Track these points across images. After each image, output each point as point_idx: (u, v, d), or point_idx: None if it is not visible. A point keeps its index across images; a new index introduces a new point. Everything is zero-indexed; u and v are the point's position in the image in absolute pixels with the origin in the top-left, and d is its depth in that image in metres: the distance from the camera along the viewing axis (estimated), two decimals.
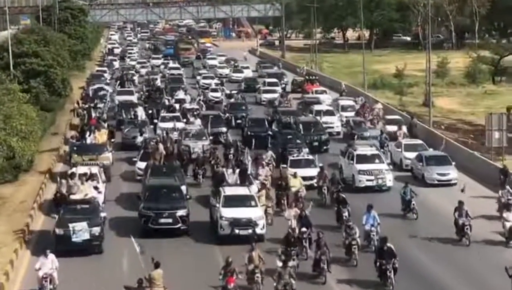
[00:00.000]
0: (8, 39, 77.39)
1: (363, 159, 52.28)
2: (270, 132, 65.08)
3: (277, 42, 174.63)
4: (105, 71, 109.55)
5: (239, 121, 72.14)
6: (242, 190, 44.32)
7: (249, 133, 66.32)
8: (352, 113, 75.14)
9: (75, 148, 56.38)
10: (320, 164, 52.77)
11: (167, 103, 76.90)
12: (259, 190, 45.21)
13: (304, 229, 38.71)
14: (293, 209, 41.79)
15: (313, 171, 52.48)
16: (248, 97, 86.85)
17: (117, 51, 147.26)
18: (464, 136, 68.21)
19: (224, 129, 66.40)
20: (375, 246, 37.93)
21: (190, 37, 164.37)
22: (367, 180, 51.28)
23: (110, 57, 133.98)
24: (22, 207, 47.30)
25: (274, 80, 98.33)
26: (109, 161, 55.08)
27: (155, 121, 68.60)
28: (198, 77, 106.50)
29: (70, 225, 38.70)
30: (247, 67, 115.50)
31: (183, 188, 46.73)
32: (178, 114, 70.83)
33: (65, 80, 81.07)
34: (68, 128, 71.88)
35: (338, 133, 70.26)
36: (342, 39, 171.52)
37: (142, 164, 53.56)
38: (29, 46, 79.12)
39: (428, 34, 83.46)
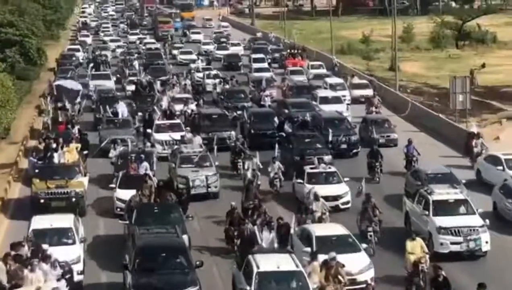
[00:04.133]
0: None
1: (444, 208, 31.75)
2: (282, 131, 46.44)
3: (247, 10, 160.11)
4: (77, 50, 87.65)
5: (238, 112, 52.58)
6: (285, 262, 25.63)
7: (252, 131, 47.38)
8: (343, 92, 59.38)
9: (37, 170, 37.69)
10: (362, 187, 34.62)
11: (163, 105, 52.59)
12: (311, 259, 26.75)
13: None
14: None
15: (337, 188, 36.90)
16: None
17: (91, 24, 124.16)
18: (429, 99, 63.26)
19: (233, 134, 46.84)
20: None
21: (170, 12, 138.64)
22: (453, 243, 30.53)
23: (82, 33, 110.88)
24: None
25: (260, 55, 78.35)
26: (83, 188, 36.39)
27: (148, 131, 47.17)
28: (175, 52, 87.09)
29: None
30: (238, 44, 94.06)
31: (185, 238, 29.34)
32: (178, 121, 49.27)
33: (40, 49, 73.59)
34: (29, 133, 52.50)
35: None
36: (310, 6, 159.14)
37: (122, 194, 35.85)
38: (4, 16, 72.63)
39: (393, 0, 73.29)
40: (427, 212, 31.54)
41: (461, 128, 49.66)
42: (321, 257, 26.27)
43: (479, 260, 30.40)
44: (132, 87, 61.44)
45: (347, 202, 36.72)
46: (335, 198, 36.08)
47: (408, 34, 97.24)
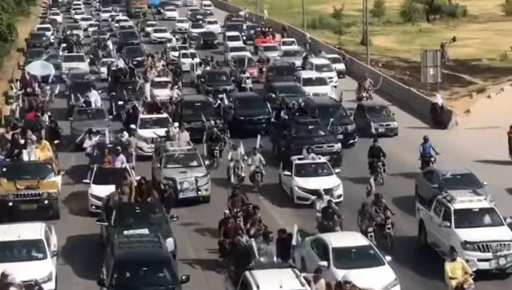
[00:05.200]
0: None
1: (468, 219, 26.78)
2: (271, 117, 42.34)
3: None
4: (47, 29, 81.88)
5: (220, 96, 47.88)
6: (288, 280, 21.57)
7: (237, 117, 43.06)
8: (330, 74, 55.21)
9: (4, 169, 33.18)
10: (372, 187, 30.19)
11: (148, 96, 46.61)
12: (315, 279, 22.49)
13: None
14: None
15: (329, 181, 33.03)
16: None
17: (61, 1, 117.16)
18: (401, 73, 62.54)
19: (218, 123, 41.61)
20: None
21: None
22: (481, 260, 25.48)
23: (53, 11, 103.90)
24: None
25: (235, 33, 73.73)
26: (56, 189, 32.01)
27: (132, 126, 41.13)
28: (148, 29, 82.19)
29: None
30: (215, 22, 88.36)
31: (170, 242, 25.98)
32: (165, 115, 43.06)
33: (11, 25, 71.11)
34: None
35: None
36: None
37: (97, 190, 32.06)
38: None
39: None
40: (448, 223, 26.50)
41: (432, 101, 48.14)
42: (339, 273, 22.70)
43: (510, 278, 25.95)
44: (105, 69, 57.09)
45: (339, 196, 33.12)
46: (327, 192, 32.08)
47: (379, 8, 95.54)
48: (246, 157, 35.44)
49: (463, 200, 27.10)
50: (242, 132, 41.19)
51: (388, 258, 24.41)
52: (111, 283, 22.35)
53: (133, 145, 37.59)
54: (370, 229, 27.54)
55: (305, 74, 53.38)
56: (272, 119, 42.55)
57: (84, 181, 33.31)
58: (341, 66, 59.85)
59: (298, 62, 60.05)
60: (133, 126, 40.48)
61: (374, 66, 63.84)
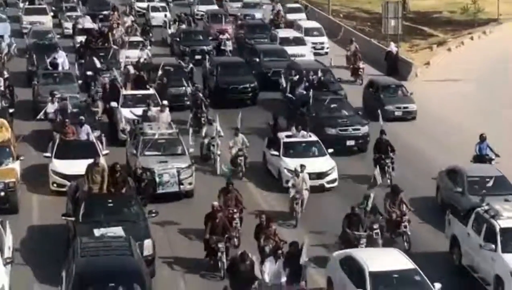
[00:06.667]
0: None
1: None
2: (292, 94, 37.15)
3: None
4: None
5: (198, 57, 42.82)
6: None
7: (220, 86, 38.68)
8: (321, 39, 51.42)
9: None
10: (377, 177, 26.08)
11: (122, 65, 40.80)
12: None
13: None
14: None
15: (322, 163, 29.48)
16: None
17: None
18: (362, 24, 63.04)
19: (188, 90, 36.92)
20: None
21: None
22: None
23: None
24: None
25: None
26: (14, 178, 27.24)
27: (113, 104, 35.21)
28: None
29: None
30: None
31: (147, 244, 22.22)
32: (152, 91, 36.57)
33: None
34: None
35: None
36: None
37: (60, 165, 28.63)
38: None
39: None
40: (492, 246, 21.33)
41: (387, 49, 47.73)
42: None
43: None
44: (69, 25, 52.21)
45: (334, 180, 29.56)
46: (319, 175, 28.69)
47: None
48: (222, 134, 31.53)
49: (510, 216, 21.72)
50: (225, 102, 37.26)
51: (438, 286, 19.75)
52: None
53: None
54: (376, 226, 23.57)
55: (282, 33, 49.10)
56: (287, 94, 37.78)
57: (45, 155, 29.47)
58: (302, 16, 57.58)
59: (258, 15, 57.00)
60: (114, 103, 34.99)
61: (335, 17, 63.04)
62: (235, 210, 24.73)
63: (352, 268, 20.38)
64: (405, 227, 23.98)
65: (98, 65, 39.74)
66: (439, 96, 41.31)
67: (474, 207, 23.18)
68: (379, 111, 33.35)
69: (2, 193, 26.36)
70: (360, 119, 34.10)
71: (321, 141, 30.86)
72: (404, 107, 38.03)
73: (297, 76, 38.36)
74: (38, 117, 33.32)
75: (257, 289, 18.64)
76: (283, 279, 19.59)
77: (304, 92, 36.51)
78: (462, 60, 47.70)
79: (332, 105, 34.91)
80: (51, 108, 34.06)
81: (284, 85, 38.29)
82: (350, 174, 30.62)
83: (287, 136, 30.93)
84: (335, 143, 31.91)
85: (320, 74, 38.48)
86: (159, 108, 33.21)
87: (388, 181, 29.08)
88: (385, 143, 30.32)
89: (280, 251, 20.39)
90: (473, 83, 43.73)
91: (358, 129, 33.32)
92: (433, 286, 19.59)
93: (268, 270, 19.74)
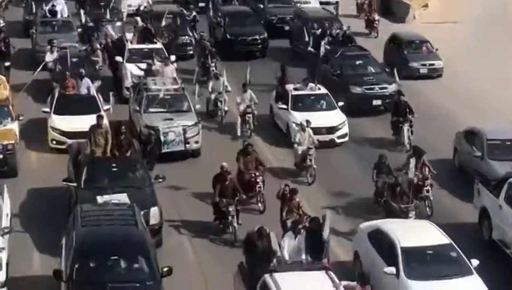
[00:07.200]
0: None
1: None
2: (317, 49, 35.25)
3: None
4: None
5: (202, 4, 41.23)
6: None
7: (228, 37, 37.38)
8: None
9: None
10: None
11: (124, 16, 39.12)
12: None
13: None
14: None
15: (332, 117, 28.47)
16: None
17: None
18: None
19: (204, 35, 35.63)
20: None
21: None
22: None
23: None
24: None
25: None
26: (13, 139, 25.78)
27: (118, 59, 33.38)
28: None
29: None
30: None
31: (154, 212, 20.99)
32: (159, 45, 34.59)
33: None
34: None
35: None
36: None
37: (59, 122, 27.49)
38: None
39: None
40: None
41: None
42: (411, 286, 17.32)
43: None
44: None
45: (345, 135, 28.54)
46: (329, 130, 27.64)
47: None
48: (229, 89, 30.24)
49: None
50: (234, 55, 35.83)
51: (475, 262, 18.20)
52: (71, 277, 17.11)
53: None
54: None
55: None
56: (310, 48, 35.94)
57: (44, 109, 28.30)
58: None
59: None
60: (119, 58, 33.23)
61: None
62: (257, 173, 23.46)
63: (382, 243, 18.83)
64: (427, 191, 22.65)
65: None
66: (436, 37, 38.70)
67: (506, 177, 21.51)
68: (395, 69, 31.70)
69: (0, 156, 25.01)
70: (387, 77, 32.13)
71: (348, 100, 29.70)
72: (430, 64, 36.12)
73: (320, 30, 36.53)
74: (35, 73, 32.08)
75: (276, 266, 17.36)
76: (304, 256, 18.26)
77: (328, 47, 34.77)
78: (460, 2, 45.54)
79: (358, 62, 33.14)
80: (50, 57, 32.94)
81: (307, 39, 36.51)
82: (370, 136, 29.15)
83: (295, 89, 29.69)
84: (361, 102, 30.59)
85: (345, 27, 36.75)
86: (164, 61, 31.71)
87: (407, 145, 27.50)
88: (403, 105, 28.62)
89: (299, 226, 18.93)
90: (473, 24, 42.61)
91: (385, 88, 31.50)
92: (470, 262, 18.18)
93: (287, 246, 18.42)
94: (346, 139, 28.40)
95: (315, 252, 18.17)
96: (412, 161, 22.31)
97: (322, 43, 34.83)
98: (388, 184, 22.43)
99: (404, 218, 21.08)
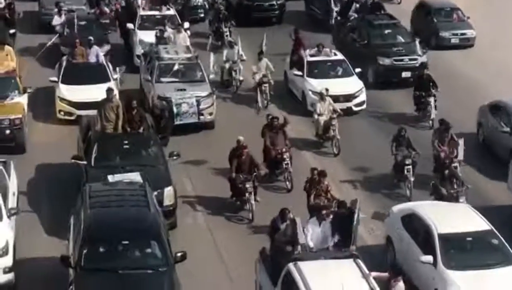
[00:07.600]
0: None
1: None
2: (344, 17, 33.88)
3: None
4: None
5: None
6: (352, 279, 15.12)
7: (244, 2, 36.34)
8: None
9: None
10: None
11: None
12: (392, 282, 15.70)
13: None
14: None
15: (349, 84, 27.49)
16: None
17: None
18: None
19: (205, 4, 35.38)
20: None
21: None
22: None
23: None
24: None
25: None
26: (21, 113, 24.60)
27: (129, 26, 32.43)
28: None
29: None
30: None
31: (168, 192, 19.88)
32: (172, 11, 33.54)
33: None
34: None
35: None
36: None
37: (67, 92, 26.42)
38: None
39: None
40: None
41: None
42: (451, 276, 16.23)
43: None
44: None
45: (362, 103, 27.63)
46: (347, 97, 26.66)
47: None
48: (244, 57, 29.21)
49: None
50: (249, 21, 34.70)
51: None
52: (79, 263, 16.18)
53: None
54: (408, 161, 21.44)
55: None
56: (335, 16, 34.71)
57: (51, 79, 27.18)
58: None
59: None
60: (130, 25, 32.13)
61: None
62: (283, 149, 22.36)
63: (417, 228, 17.62)
64: (455, 168, 21.39)
65: None
66: (471, 5, 37.17)
67: None
68: (417, 40, 30.37)
69: (8, 131, 23.83)
70: (417, 47, 30.41)
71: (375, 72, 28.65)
72: (461, 34, 34.22)
73: None
74: (43, 50, 31.03)
75: (301, 254, 16.34)
76: (331, 244, 17.12)
77: (356, 15, 33.44)
78: None
79: (386, 31, 31.57)
80: (57, 21, 32.33)
81: (333, 7, 35.22)
82: (392, 111, 27.89)
83: (311, 55, 28.59)
84: (389, 74, 29.37)
85: None
86: (176, 28, 30.58)
87: (430, 122, 26.21)
88: (427, 79, 27.04)
89: (324, 212, 17.63)
90: None
91: (415, 59, 29.99)
92: None
93: (311, 233, 17.25)
94: (364, 107, 27.43)
95: (343, 238, 17.01)
96: (461, 141, 21.21)
97: (349, 11, 33.52)
98: (393, 137, 21.90)
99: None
